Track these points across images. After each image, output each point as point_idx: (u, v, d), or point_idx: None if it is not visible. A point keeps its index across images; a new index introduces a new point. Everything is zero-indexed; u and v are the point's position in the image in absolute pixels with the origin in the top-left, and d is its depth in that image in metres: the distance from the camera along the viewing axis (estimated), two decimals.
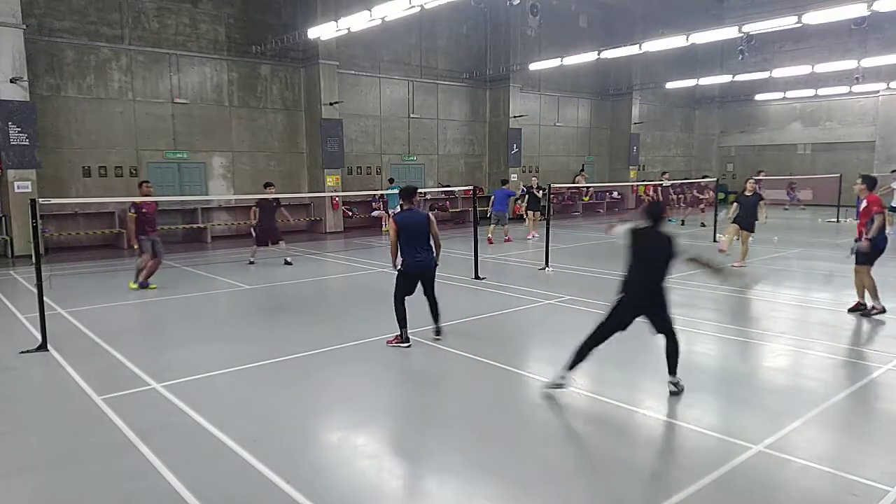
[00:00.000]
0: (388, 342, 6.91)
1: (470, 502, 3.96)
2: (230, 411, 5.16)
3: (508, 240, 16.80)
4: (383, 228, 20.22)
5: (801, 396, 5.48)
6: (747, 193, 12.34)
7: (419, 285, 6.98)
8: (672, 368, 5.44)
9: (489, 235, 16.53)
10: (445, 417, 5.21)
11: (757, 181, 13.10)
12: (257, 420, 5.01)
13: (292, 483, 3.92)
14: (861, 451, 4.44)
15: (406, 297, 6.92)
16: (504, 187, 17.96)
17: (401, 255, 6.82)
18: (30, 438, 4.75)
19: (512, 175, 24.10)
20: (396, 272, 6.93)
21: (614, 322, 5.31)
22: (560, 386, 5.34)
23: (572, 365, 5.28)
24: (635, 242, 5.38)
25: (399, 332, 6.86)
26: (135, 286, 10.37)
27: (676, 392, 5.40)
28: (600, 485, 4.02)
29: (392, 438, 4.74)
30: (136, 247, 10.20)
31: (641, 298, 5.31)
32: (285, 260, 13.05)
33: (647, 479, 4.03)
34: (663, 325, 5.37)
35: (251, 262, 13.05)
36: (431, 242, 6.93)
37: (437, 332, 7.12)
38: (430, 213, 7.43)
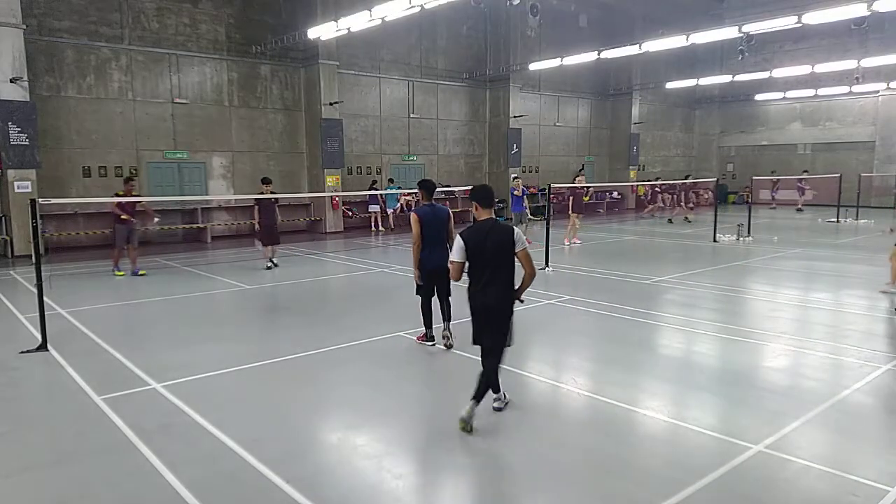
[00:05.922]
0: (417, 339, 7.07)
1: (469, 501, 3.96)
2: (230, 411, 5.16)
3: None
4: (373, 229, 20.16)
5: (801, 396, 5.47)
6: None
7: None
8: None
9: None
10: (444, 417, 5.20)
11: None
12: (257, 420, 5.01)
13: (292, 483, 3.92)
14: (861, 451, 4.43)
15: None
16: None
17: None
18: (30, 438, 4.75)
19: (512, 175, 24.09)
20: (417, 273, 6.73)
21: None
22: None
23: None
24: None
25: (424, 331, 7.01)
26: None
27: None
28: (600, 485, 4.01)
29: (392, 438, 4.74)
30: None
31: None
32: (270, 260, 12.41)
33: (647, 479, 4.02)
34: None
35: (269, 266, 12.20)
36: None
37: (447, 333, 6.83)
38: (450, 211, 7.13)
